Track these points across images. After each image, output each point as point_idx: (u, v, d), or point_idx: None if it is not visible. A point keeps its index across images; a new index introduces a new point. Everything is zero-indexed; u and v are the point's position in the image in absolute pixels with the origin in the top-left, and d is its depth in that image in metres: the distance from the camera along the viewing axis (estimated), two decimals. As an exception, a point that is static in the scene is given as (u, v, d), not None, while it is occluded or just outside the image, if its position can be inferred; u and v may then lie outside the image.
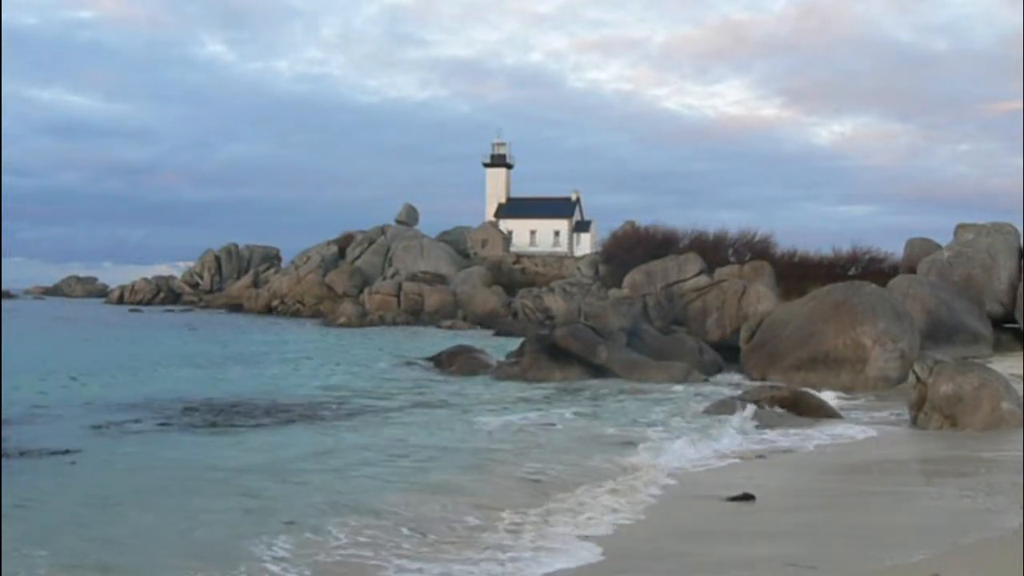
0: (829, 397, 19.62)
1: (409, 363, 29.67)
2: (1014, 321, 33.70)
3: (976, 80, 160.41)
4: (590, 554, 8.32)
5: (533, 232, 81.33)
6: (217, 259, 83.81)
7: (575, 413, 18.08)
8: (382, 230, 79.49)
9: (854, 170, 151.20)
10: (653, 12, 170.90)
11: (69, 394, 20.21)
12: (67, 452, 12.95)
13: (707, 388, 22.83)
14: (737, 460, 13.15)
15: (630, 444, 14.22)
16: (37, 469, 11.80)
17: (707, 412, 17.40)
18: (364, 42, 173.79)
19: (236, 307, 72.72)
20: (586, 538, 8.85)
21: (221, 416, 17.20)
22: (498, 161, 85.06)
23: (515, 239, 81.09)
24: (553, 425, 16.44)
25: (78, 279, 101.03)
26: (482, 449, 14.00)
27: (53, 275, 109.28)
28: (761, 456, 13.43)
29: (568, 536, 8.94)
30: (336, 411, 18.27)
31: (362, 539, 8.71)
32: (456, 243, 79.93)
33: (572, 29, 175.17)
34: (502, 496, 10.58)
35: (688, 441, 14.37)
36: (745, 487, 10.79)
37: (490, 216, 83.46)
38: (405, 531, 9.04)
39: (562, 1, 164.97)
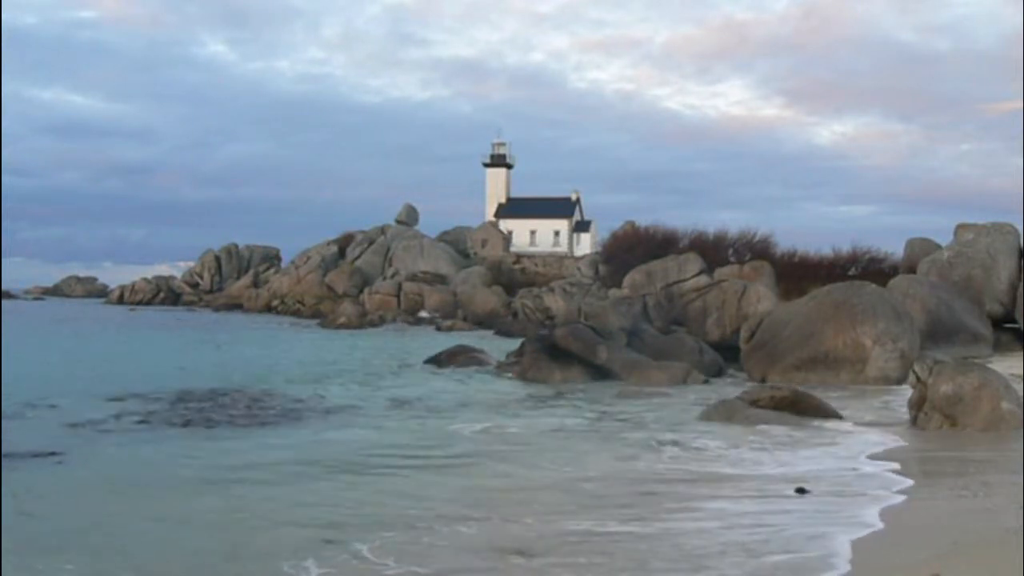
0: (829, 397, 19.60)
1: (410, 364, 29.65)
2: (1014, 321, 33.71)
3: (978, 80, 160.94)
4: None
5: (533, 232, 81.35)
6: (217, 259, 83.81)
7: (589, 416, 17.98)
8: (382, 230, 79.54)
9: (855, 170, 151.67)
10: (655, 12, 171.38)
11: (59, 394, 20.01)
12: (53, 453, 12.77)
13: (707, 389, 22.82)
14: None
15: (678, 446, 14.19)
16: (26, 470, 11.70)
17: (707, 413, 17.38)
18: (366, 42, 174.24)
19: (236, 307, 72.79)
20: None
21: (209, 417, 16.98)
22: (498, 161, 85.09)
23: (515, 239, 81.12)
24: (567, 427, 16.41)
25: (78, 279, 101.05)
26: (501, 449, 13.97)
27: (53, 275, 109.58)
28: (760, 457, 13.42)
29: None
30: (337, 412, 18.22)
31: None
32: (456, 243, 79.97)
33: (574, 29, 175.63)
34: (567, 503, 10.06)
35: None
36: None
37: (490, 216, 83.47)
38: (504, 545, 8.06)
39: (564, 1, 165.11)
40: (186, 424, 16.13)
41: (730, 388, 22.36)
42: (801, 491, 10.53)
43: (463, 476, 11.82)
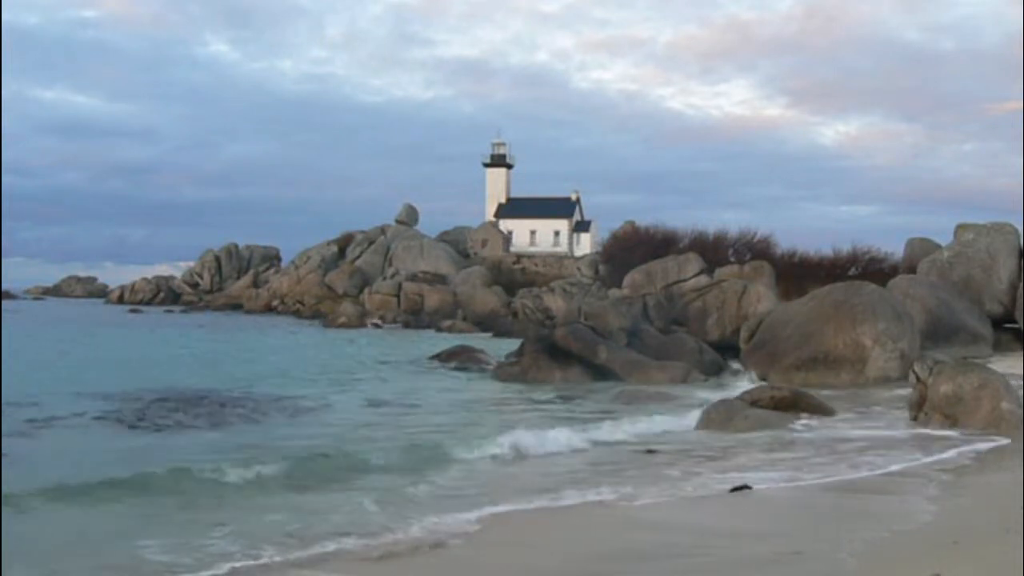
0: (828, 398, 19.60)
1: (408, 364, 29.63)
2: (1014, 321, 33.70)
3: (982, 80, 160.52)
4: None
5: (533, 232, 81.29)
6: (217, 259, 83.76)
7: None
8: (382, 230, 79.50)
9: (858, 170, 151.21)
10: (659, 11, 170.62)
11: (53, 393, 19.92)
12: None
13: (707, 389, 22.79)
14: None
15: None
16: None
17: (707, 414, 17.36)
18: (369, 41, 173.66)
19: (236, 307, 72.81)
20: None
21: (194, 418, 16.84)
22: (498, 161, 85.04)
23: (515, 239, 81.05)
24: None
25: (78, 279, 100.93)
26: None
27: (53, 275, 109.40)
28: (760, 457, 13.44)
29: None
30: (340, 414, 18.18)
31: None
32: (456, 243, 79.90)
33: (578, 28, 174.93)
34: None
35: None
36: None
37: (490, 216, 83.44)
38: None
39: (568, 0, 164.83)
40: (181, 427, 15.91)
41: (729, 389, 22.33)
42: (741, 488, 10.47)
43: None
